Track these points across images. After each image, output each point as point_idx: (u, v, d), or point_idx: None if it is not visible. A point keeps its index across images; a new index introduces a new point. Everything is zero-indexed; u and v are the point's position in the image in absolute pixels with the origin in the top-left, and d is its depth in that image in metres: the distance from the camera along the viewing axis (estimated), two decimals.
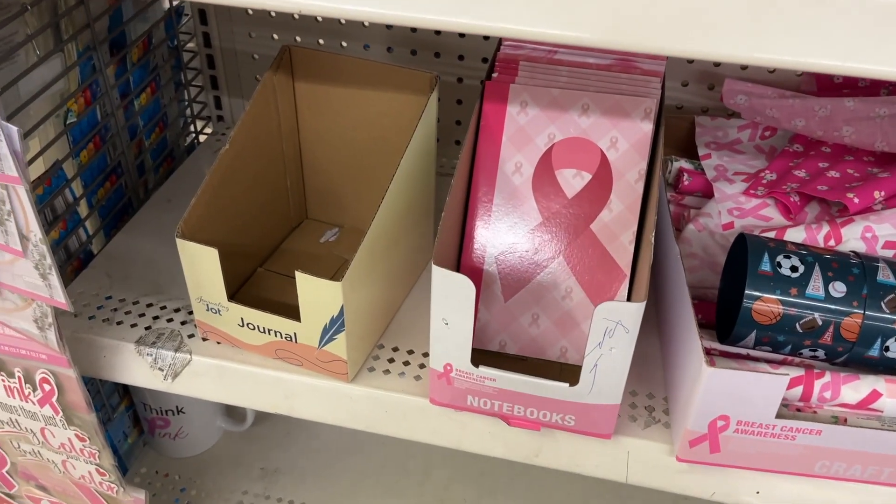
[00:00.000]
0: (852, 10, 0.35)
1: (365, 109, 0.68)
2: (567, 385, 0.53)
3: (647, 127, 0.60)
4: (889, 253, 0.60)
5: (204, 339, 0.63)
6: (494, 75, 0.62)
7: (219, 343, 0.63)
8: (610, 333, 0.49)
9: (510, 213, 0.61)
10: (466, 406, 0.57)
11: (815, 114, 0.67)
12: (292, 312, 0.57)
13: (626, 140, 0.60)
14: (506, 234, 0.61)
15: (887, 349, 0.54)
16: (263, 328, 0.59)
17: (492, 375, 0.54)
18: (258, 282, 0.69)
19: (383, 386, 0.60)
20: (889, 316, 0.53)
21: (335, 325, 0.56)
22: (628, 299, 0.59)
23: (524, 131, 0.61)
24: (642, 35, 0.38)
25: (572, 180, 0.61)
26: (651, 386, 0.60)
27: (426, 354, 0.63)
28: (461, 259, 0.61)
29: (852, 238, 0.60)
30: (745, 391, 0.50)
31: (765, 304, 0.54)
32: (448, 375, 0.55)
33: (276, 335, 0.59)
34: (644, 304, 0.48)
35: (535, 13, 0.39)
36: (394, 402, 0.59)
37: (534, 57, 0.63)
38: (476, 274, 0.61)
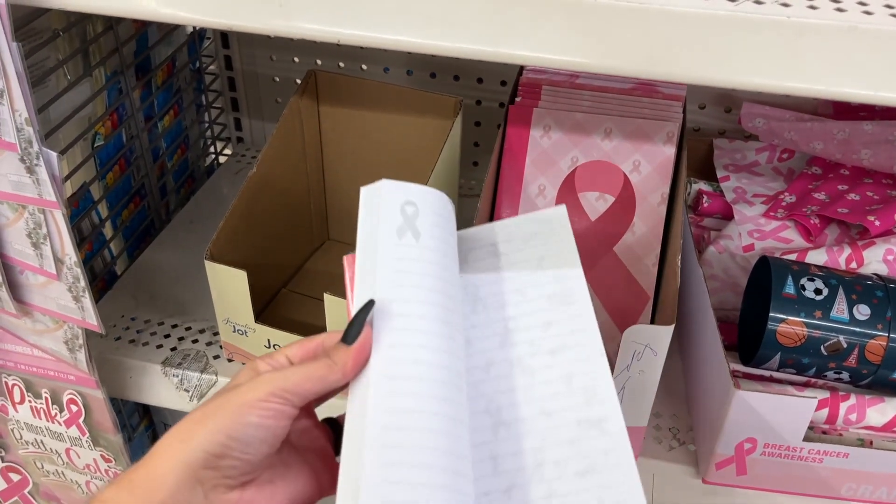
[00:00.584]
0: (886, 41, 0.36)
1: (388, 133, 0.69)
2: None
3: (670, 150, 0.60)
4: None
5: (229, 360, 0.64)
6: (518, 99, 0.63)
7: (244, 364, 0.63)
8: (638, 356, 0.50)
9: None
10: None
11: (833, 137, 0.68)
12: (317, 333, 0.57)
13: (648, 163, 0.61)
14: None
15: None
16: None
17: None
18: (282, 303, 0.69)
19: None
20: None
21: None
22: (652, 321, 0.60)
23: (547, 154, 0.62)
24: (678, 65, 0.38)
25: (595, 203, 0.61)
26: (674, 407, 0.61)
27: None
28: None
29: (874, 260, 0.60)
30: (773, 414, 0.50)
31: (789, 326, 0.55)
32: None
33: None
34: (672, 327, 0.48)
35: (568, 43, 0.40)
36: None
37: (556, 81, 0.64)
38: None
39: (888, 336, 0.54)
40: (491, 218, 0.62)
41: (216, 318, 0.61)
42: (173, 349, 0.65)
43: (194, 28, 0.83)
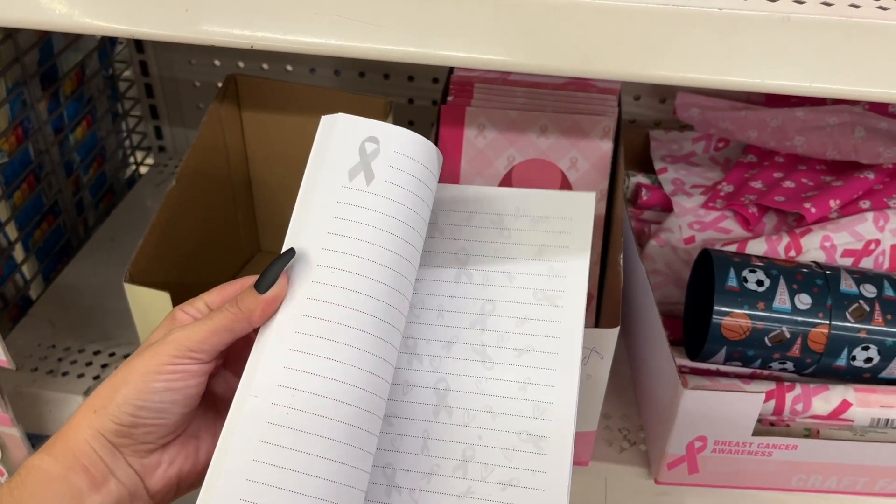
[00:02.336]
0: (816, 33, 0.35)
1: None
2: None
3: (607, 146, 0.59)
4: (848, 261, 0.61)
5: None
6: (449, 98, 0.61)
7: None
8: (584, 361, 0.48)
9: None
10: None
11: (767, 125, 0.68)
12: None
13: (585, 160, 0.59)
14: None
15: (854, 358, 0.54)
16: None
17: None
18: None
19: None
20: (854, 325, 0.54)
21: None
22: (597, 321, 0.59)
23: (483, 154, 0.60)
24: (613, 62, 0.37)
25: None
26: (624, 408, 0.60)
27: None
28: None
29: (812, 248, 0.60)
30: (722, 411, 0.49)
31: (734, 319, 0.54)
32: None
33: None
34: (617, 329, 0.47)
35: (498, 42, 0.38)
36: None
37: (488, 79, 0.62)
38: None
39: (829, 324, 0.54)
40: None
41: (141, 342, 0.57)
42: (96, 377, 0.61)
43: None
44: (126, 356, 0.62)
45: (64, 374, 0.61)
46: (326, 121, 0.41)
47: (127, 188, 0.85)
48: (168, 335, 0.37)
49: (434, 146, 0.41)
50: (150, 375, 0.36)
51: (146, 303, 0.54)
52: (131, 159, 0.87)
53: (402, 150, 0.40)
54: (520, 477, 0.37)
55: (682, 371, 0.57)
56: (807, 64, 0.36)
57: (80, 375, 0.61)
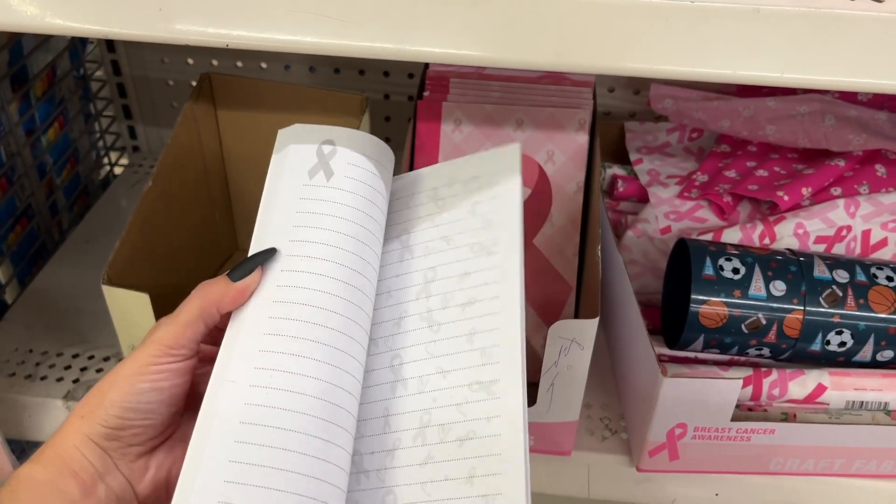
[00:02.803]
0: (786, 24, 0.36)
1: None
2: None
3: (583, 138, 0.60)
4: (821, 247, 0.62)
5: None
6: (426, 94, 0.61)
7: None
8: (565, 351, 0.49)
9: None
10: None
11: (739, 114, 0.69)
12: None
13: (562, 153, 0.60)
14: None
15: (828, 343, 0.55)
16: None
17: None
18: None
19: None
20: (828, 310, 0.55)
21: None
22: (576, 312, 0.59)
23: (460, 149, 0.60)
24: (587, 56, 0.37)
25: None
26: (604, 397, 0.60)
27: None
28: None
29: (786, 235, 0.61)
30: (701, 398, 0.50)
31: (711, 307, 0.55)
32: None
33: None
34: (597, 320, 0.47)
35: (473, 38, 0.38)
36: None
37: (463, 73, 0.62)
38: None
39: (804, 309, 0.55)
40: None
41: (120, 344, 0.57)
42: (76, 381, 0.60)
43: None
44: (106, 359, 0.62)
45: (42, 378, 0.61)
46: (283, 133, 0.42)
47: (101, 189, 0.84)
48: (148, 337, 0.38)
49: (385, 144, 0.43)
50: (134, 377, 0.36)
51: (125, 304, 0.54)
52: (105, 160, 0.87)
53: (358, 148, 0.42)
54: (475, 428, 0.36)
55: (660, 360, 0.58)
56: (777, 54, 0.37)
57: (59, 379, 0.61)
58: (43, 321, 0.66)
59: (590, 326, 0.48)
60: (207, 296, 0.38)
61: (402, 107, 0.82)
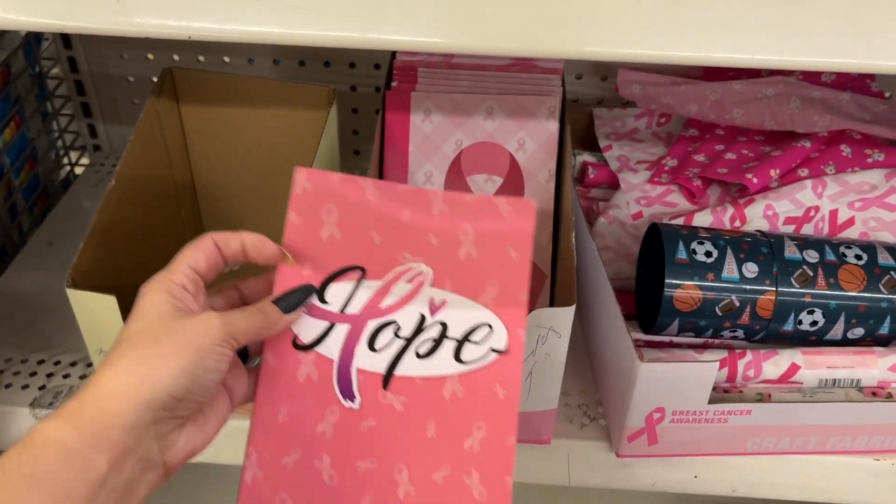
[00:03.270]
0: (756, 5, 0.36)
1: (258, 130, 0.64)
2: None
3: (553, 126, 0.59)
4: (790, 228, 0.62)
5: None
6: (394, 84, 0.60)
7: None
8: (543, 341, 0.49)
9: None
10: None
11: (706, 98, 0.69)
12: None
13: (533, 141, 0.59)
14: None
15: (800, 322, 0.56)
16: None
17: None
18: None
19: None
20: (799, 290, 0.55)
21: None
22: (551, 300, 0.59)
23: (431, 139, 0.59)
24: (558, 41, 0.37)
25: (484, 185, 0.60)
26: (581, 384, 0.60)
27: None
28: None
29: (756, 217, 0.62)
30: (678, 382, 0.50)
31: (685, 291, 0.55)
32: None
33: None
34: (573, 308, 0.47)
35: (440, 25, 0.38)
36: None
37: (431, 62, 0.61)
38: None
39: (776, 290, 0.55)
40: None
41: (88, 348, 0.55)
42: (42, 388, 0.59)
43: None
44: (72, 364, 0.60)
45: (7, 386, 0.59)
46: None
47: (62, 190, 0.82)
48: (207, 319, 0.37)
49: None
50: (204, 353, 0.36)
51: (91, 307, 0.52)
52: (65, 160, 0.84)
53: None
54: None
55: (636, 345, 0.58)
56: (748, 36, 0.37)
57: (25, 387, 0.59)
58: (6, 327, 0.64)
59: (566, 314, 0.47)
60: (267, 319, 0.39)
61: (370, 98, 0.81)
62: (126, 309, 0.52)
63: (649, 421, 0.52)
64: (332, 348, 0.41)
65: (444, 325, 0.40)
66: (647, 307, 0.61)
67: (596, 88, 0.79)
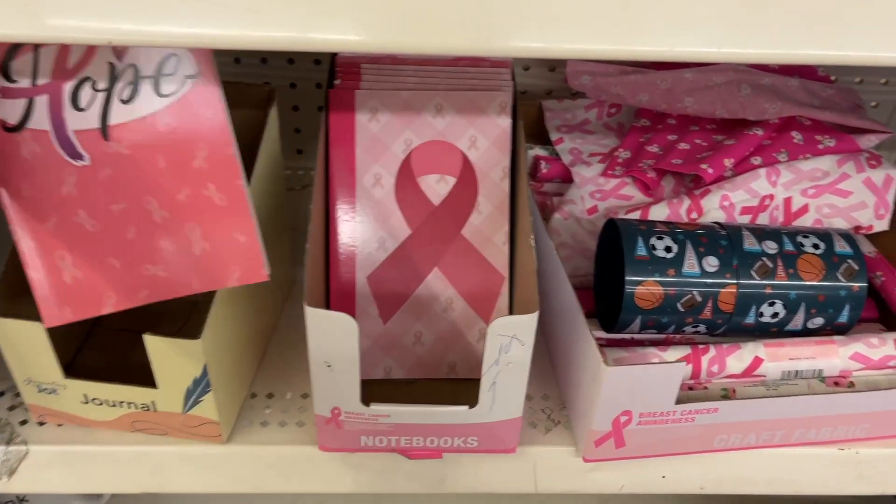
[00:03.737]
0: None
1: None
2: (467, 408, 0.49)
3: (505, 122, 0.57)
4: (746, 218, 0.62)
5: (41, 424, 0.54)
6: (336, 82, 0.57)
7: (60, 425, 0.54)
8: (506, 349, 0.47)
9: (377, 229, 0.56)
10: (360, 447, 0.52)
11: (657, 87, 0.68)
12: (146, 374, 0.49)
13: (485, 138, 0.57)
14: (375, 251, 0.56)
15: (761, 315, 0.55)
16: (113, 401, 0.51)
17: (385, 412, 0.49)
18: (97, 343, 0.60)
19: (265, 440, 0.54)
20: (760, 282, 0.55)
21: (200, 386, 0.49)
22: (510, 304, 0.57)
23: (378, 139, 0.57)
24: (512, 39, 0.35)
25: (436, 186, 0.57)
26: (543, 387, 0.59)
27: (305, 396, 0.57)
28: (329, 286, 0.56)
29: (713, 208, 0.61)
30: (645, 384, 0.49)
31: (646, 288, 0.54)
32: (336, 419, 0.50)
33: (130, 406, 0.51)
34: (537, 314, 0.45)
35: (383, 24, 0.35)
36: (279, 455, 0.53)
37: (375, 58, 0.58)
38: (348, 299, 0.56)
39: (737, 283, 0.55)
40: (327, 217, 0.56)
41: (15, 379, 0.51)
42: None
43: None
44: (0, 394, 0.56)
45: None
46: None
47: None
48: None
49: None
50: None
51: (17, 335, 0.48)
52: None
53: None
54: None
55: (599, 344, 0.56)
56: (713, 30, 0.35)
57: None
58: None
59: (529, 322, 0.45)
60: None
61: (310, 94, 0.77)
62: (57, 332, 0.48)
63: (616, 424, 0.51)
64: (41, 120, 0.42)
65: (135, 67, 0.42)
66: (606, 304, 0.59)
67: (544, 79, 0.77)
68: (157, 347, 0.47)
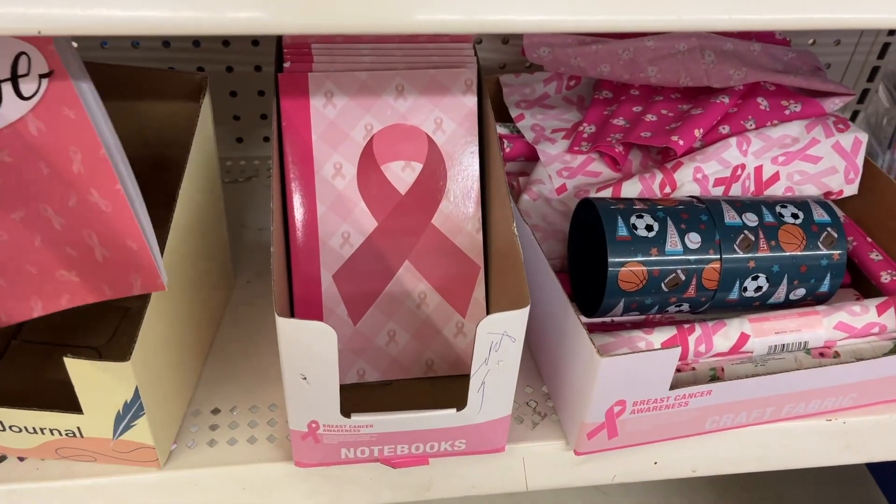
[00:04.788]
0: None
1: (119, 125, 0.54)
2: (454, 410, 0.46)
3: (472, 101, 0.53)
4: (720, 190, 0.60)
5: None
6: (286, 65, 0.52)
7: None
8: (496, 347, 0.43)
9: (340, 224, 0.52)
10: (341, 460, 0.48)
11: (619, 57, 0.65)
12: (71, 393, 0.44)
13: (451, 119, 0.53)
14: (339, 248, 0.52)
15: (745, 289, 0.54)
16: (34, 428, 0.46)
17: (368, 422, 0.46)
18: (15, 360, 0.54)
19: (220, 460, 0.49)
20: (743, 256, 0.53)
21: (131, 411, 0.44)
22: (487, 295, 0.54)
23: (336, 126, 0.52)
24: (451, 10, 0.31)
25: (402, 174, 0.53)
26: (527, 378, 0.56)
27: (254, 409, 0.53)
28: (292, 289, 0.52)
29: (686, 181, 0.59)
30: (639, 372, 0.46)
31: (629, 269, 0.51)
32: (315, 433, 0.46)
33: (52, 433, 0.46)
34: (528, 309, 0.42)
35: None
36: (247, 475, 0.49)
37: (325, 37, 0.54)
38: (314, 302, 0.52)
39: (721, 258, 0.53)
40: (285, 214, 0.51)
41: None
42: None
43: None
44: None
45: None
46: None
47: None
48: None
49: None
50: None
51: None
52: None
53: None
54: None
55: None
56: None
57: None
58: None
59: (521, 317, 0.42)
60: None
61: (249, 79, 0.72)
62: None
63: (609, 415, 0.49)
64: None
65: None
66: (585, 287, 0.57)
67: (498, 53, 0.73)
68: (81, 371, 0.42)
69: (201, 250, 0.53)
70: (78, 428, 0.45)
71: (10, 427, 0.45)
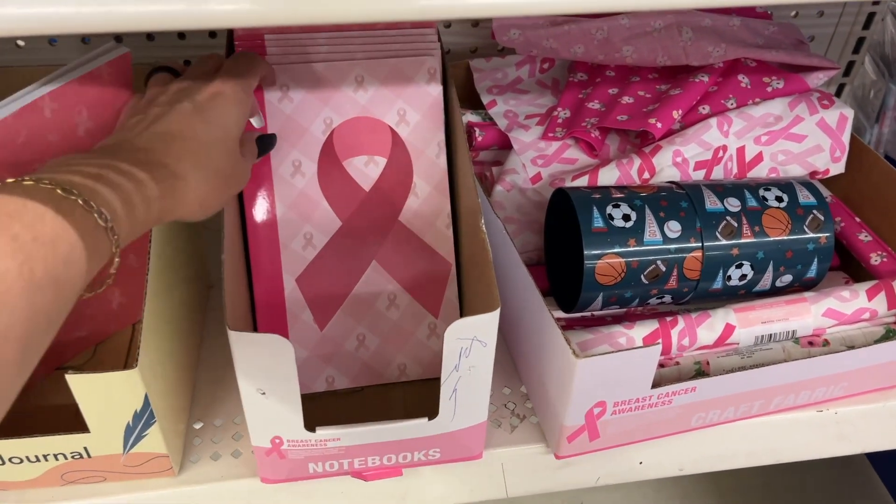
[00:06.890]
0: None
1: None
2: (426, 420, 0.44)
3: (436, 90, 0.51)
4: (701, 173, 0.58)
5: None
6: None
7: None
8: (466, 353, 0.41)
9: (301, 224, 0.49)
10: (309, 475, 0.46)
11: (593, 37, 0.62)
12: (69, 415, 0.42)
13: (415, 110, 0.50)
14: (301, 250, 0.50)
15: (729, 278, 0.52)
16: (36, 456, 0.43)
17: (335, 436, 0.43)
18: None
19: (208, 476, 0.47)
20: (726, 243, 0.51)
21: (142, 420, 0.42)
22: (460, 294, 0.51)
23: (293, 121, 0.49)
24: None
25: (365, 169, 0.50)
26: (504, 380, 0.54)
27: (239, 422, 0.50)
28: (253, 296, 0.49)
29: (665, 166, 0.56)
30: (619, 372, 0.44)
31: (606, 262, 0.49)
32: (279, 449, 0.44)
33: (57, 458, 0.43)
34: (498, 312, 0.40)
35: None
36: (219, 492, 0.47)
37: (280, 26, 0.51)
38: (277, 308, 0.49)
39: (702, 247, 0.50)
40: (242, 217, 0.49)
41: None
42: None
43: None
44: None
45: None
46: None
47: None
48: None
49: None
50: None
51: None
52: None
53: None
54: None
55: (558, 323, 0.51)
56: None
57: None
58: None
59: (491, 321, 0.40)
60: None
61: None
62: None
63: (590, 417, 0.46)
64: None
65: None
66: (562, 280, 0.54)
67: (468, 36, 0.70)
68: (85, 386, 0.40)
69: (176, 247, 0.51)
70: (85, 448, 0.43)
71: (12, 459, 0.43)
